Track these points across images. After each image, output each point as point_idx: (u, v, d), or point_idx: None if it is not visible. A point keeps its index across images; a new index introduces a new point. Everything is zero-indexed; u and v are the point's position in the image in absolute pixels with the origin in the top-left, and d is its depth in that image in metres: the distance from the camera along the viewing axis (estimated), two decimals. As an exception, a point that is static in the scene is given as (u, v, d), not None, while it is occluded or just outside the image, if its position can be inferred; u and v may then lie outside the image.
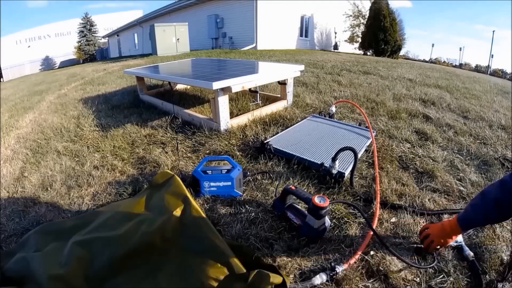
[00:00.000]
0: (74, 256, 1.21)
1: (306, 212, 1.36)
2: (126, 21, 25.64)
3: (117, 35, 29.06)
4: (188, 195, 1.51)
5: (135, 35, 24.03)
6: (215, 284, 1.09)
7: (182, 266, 1.19)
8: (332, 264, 1.18)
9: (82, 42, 32.44)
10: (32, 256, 1.27)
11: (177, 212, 1.40)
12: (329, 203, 1.31)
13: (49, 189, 1.93)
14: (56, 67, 29.97)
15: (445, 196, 1.72)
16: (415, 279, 1.16)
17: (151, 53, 12.69)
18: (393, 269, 1.19)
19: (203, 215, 1.39)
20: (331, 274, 1.14)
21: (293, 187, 1.43)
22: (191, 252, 1.24)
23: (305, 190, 1.68)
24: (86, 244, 1.28)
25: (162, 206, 1.47)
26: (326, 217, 1.33)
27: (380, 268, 1.20)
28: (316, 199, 1.28)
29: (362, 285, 1.13)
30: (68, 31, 35.19)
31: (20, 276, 1.21)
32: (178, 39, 12.11)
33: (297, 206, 1.48)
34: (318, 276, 1.13)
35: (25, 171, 2.23)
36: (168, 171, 1.78)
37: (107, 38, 32.94)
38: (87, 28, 32.49)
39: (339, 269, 1.16)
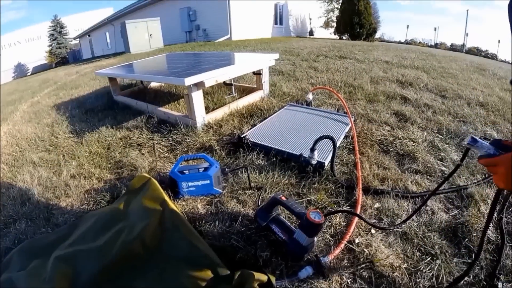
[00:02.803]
0: (57, 271, 1.18)
1: (292, 227, 1.27)
2: (97, 20, 24.94)
3: (88, 35, 28.25)
4: (166, 198, 1.47)
5: (107, 34, 23.43)
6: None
7: (165, 272, 1.16)
8: (318, 255, 1.15)
9: (53, 45, 31.29)
10: (17, 276, 1.24)
11: (156, 217, 1.36)
12: (325, 220, 1.20)
13: (27, 203, 1.83)
14: (29, 74, 28.86)
15: (428, 177, 1.72)
16: (402, 264, 1.15)
17: (124, 51, 12.40)
18: (379, 256, 1.18)
19: (183, 218, 1.35)
20: (316, 266, 1.11)
21: (283, 197, 1.27)
22: (173, 257, 1.21)
23: (287, 182, 1.65)
24: (68, 258, 1.24)
25: (141, 212, 1.42)
26: None
27: (366, 256, 1.18)
28: (312, 215, 1.11)
29: (349, 273, 1.12)
30: (38, 36, 33.90)
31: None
32: (151, 35, 11.87)
33: (282, 219, 1.34)
34: (303, 269, 1.11)
35: (2, 187, 2.11)
36: (145, 174, 1.71)
37: (78, 39, 31.96)
38: (57, 30, 31.35)
39: (325, 260, 1.13)
